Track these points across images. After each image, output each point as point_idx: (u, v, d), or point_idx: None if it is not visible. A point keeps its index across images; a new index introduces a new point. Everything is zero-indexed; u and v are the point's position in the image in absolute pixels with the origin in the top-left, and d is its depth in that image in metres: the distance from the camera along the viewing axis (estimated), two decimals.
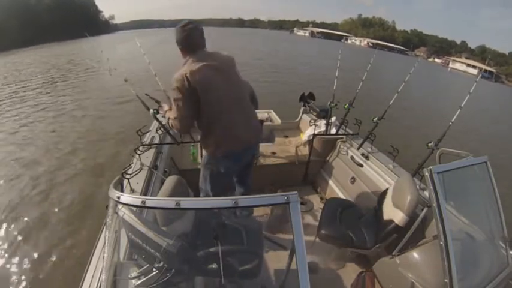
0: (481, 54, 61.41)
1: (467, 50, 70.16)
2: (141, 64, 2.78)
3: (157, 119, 2.37)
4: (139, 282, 1.04)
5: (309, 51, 31.70)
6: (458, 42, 76.25)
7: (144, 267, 1.04)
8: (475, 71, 41.76)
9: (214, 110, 1.68)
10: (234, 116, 1.75)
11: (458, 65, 49.29)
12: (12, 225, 3.41)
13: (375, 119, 2.48)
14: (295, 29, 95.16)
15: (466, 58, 55.53)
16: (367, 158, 2.51)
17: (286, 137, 3.38)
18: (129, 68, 10.41)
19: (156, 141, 2.44)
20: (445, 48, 72.67)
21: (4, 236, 3.27)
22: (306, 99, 3.00)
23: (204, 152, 1.94)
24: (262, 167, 2.72)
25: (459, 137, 6.63)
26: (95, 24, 57.83)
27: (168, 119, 1.80)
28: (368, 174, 2.43)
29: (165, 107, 1.96)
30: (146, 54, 2.60)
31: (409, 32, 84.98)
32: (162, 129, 2.48)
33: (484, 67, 46.13)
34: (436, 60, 61.61)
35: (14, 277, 2.75)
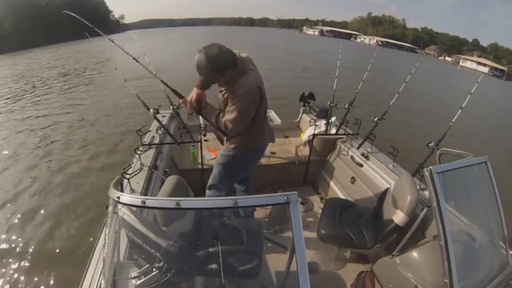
0: (493, 52, 59.74)
1: (479, 48, 68.16)
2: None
3: (157, 119, 2.38)
4: (139, 282, 1.04)
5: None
6: (470, 40, 74.29)
7: (144, 267, 1.04)
8: (485, 69, 40.68)
9: (261, 115, 1.75)
10: (265, 119, 1.88)
11: (469, 63, 48.07)
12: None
13: (375, 119, 2.47)
14: (304, 27, 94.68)
15: (478, 56, 54.11)
16: (367, 158, 2.49)
17: (286, 137, 3.37)
18: (132, 66, 10.72)
19: (156, 141, 2.43)
20: (456, 46, 70.62)
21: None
22: (306, 99, 2.98)
23: (224, 152, 1.91)
24: (262, 167, 2.70)
25: (461, 135, 6.52)
26: (105, 24, 58.15)
27: (217, 119, 1.69)
28: (368, 174, 2.42)
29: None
30: (146, 54, 2.59)
31: (419, 30, 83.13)
32: (162, 129, 2.48)
33: (495, 65, 44.97)
34: (447, 58, 60.38)
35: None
